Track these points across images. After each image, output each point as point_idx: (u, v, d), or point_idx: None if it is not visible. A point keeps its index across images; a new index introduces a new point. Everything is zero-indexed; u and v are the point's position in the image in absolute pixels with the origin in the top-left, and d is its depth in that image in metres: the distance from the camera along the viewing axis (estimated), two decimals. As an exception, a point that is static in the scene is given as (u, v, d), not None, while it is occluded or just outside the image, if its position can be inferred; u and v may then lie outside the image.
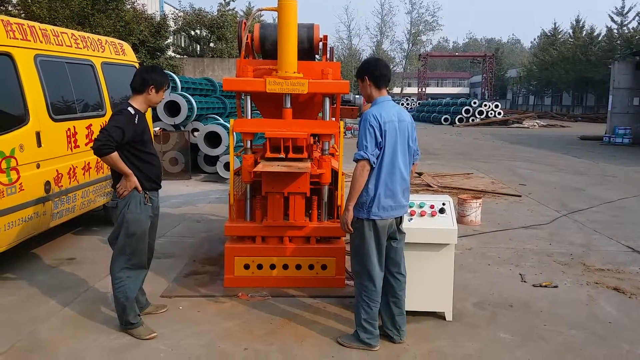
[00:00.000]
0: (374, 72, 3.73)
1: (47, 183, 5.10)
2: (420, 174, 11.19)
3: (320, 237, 4.92)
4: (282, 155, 4.63)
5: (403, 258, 3.86)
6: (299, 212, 4.76)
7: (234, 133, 4.89)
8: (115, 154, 3.66)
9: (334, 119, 5.21)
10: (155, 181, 3.96)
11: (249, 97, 4.90)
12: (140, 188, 3.80)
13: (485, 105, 33.56)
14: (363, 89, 3.80)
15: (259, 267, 4.78)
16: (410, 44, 62.64)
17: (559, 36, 54.15)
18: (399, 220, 3.82)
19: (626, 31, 42.27)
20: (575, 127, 31.54)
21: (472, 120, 32.84)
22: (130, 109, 3.79)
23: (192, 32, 27.21)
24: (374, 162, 3.56)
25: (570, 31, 50.96)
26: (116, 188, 3.81)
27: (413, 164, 3.89)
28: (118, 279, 3.85)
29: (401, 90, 61.93)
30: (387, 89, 3.91)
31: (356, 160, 3.57)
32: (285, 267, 4.79)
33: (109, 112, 6.36)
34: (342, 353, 3.68)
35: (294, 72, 4.65)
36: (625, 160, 15.48)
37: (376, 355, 3.68)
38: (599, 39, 45.77)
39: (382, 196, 3.61)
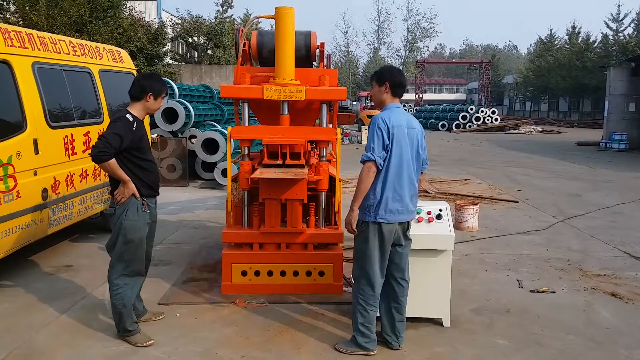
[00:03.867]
0: (395, 80, 3.76)
1: (45, 190, 5.10)
2: (417, 180, 11.20)
3: (318, 244, 4.93)
4: (280, 161, 4.65)
5: (408, 264, 3.85)
6: (297, 218, 4.76)
7: (232, 140, 4.90)
8: (113, 161, 3.66)
9: (331, 125, 5.22)
10: (153, 188, 3.96)
11: (246, 104, 4.92)
12: (137, 195, 3.80)
13: (482, 112, 33.64)
14: (378, 93, 3.80)
15: (257, 273, 4.78)
16: (407, 51, 63.05)
17: (555, 42, 54.40)
18: (406, 226, 3.80)
19: (622, 37, 42.52)
20: (572, 133, 31.66)
21: (469, 126, 32.92)
22: (128, 115, 3.80)
23: (190, 39, 27.31)
24: (380, 164, 3.57)
25: (566, 37, 51.24)
26: (114, 195, 3.81)
27: (421, 172, 3.90)
28: (115, 286, 3.84)
29: (398, 97, 62.09)
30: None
31: (363, 162, 3.59)
32: (283, 273, 4.79)
33: (107, 119, 6.37)
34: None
35: (292, 79, 4.67)
36: (622, 166, 15.53)
37: (374, 361, 3.68)
38: (595, 45, 45.97)
39: (390, 199, 3.61)
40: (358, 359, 3.69)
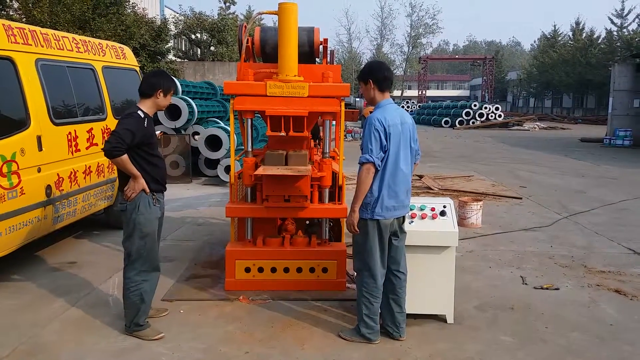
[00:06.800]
0: (377, 75, 3.79)
1: (48, 187, 5.11)
2: (421, 177, 11.20)
3: (321, 241, 4.94)
4: (283, 133, 4.64)
5: (404, 256, 3.91)
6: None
7: (235, 137, 4.89)
8: (125, 156, 3.71)
9: (334, 123, 5.21)
10: (161, 183, 4.01)
11: (249, 101, 4.91)
12: (147, 190, 3.84)
13: (486, 108, 33.55)
14: (366, 92, 3.85)
15: (260, 270, 4.79)
16: (411, 47, 62.71)
17: (559, 38, 54.18)
18: (402, 219, 3.88)
19: (626, 33, 42.24)
20: (576, 129, 31.54)
21: (473, 122, 32.83)
22: (139, 112, 3.85)
23: (193, 36, 27.29)
24: (378, 165, 3.64)
25: (570, 33, 50.98)
26: (124, 190, 3.83)
27: (414, 163, 3.95)
28: (134, 282, 3.86)
29: (401, 93, 61.93)
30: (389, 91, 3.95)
31: (361, 164, 3.63)
32: (286, 270, 4.79)
33: (110, 116, 6.38)
34: (344, 355, 3.68)
35: (295, 76, 4.67)
36: (626, 162, 15.47)
37: (377, 357, 3.68)
38: (599, 41, 45.74)
39: (386, 197, 3.69)
40: (361, 356, 3.70)
